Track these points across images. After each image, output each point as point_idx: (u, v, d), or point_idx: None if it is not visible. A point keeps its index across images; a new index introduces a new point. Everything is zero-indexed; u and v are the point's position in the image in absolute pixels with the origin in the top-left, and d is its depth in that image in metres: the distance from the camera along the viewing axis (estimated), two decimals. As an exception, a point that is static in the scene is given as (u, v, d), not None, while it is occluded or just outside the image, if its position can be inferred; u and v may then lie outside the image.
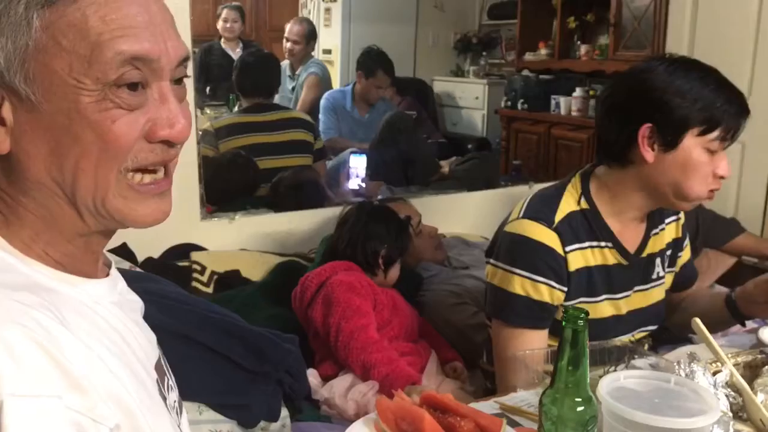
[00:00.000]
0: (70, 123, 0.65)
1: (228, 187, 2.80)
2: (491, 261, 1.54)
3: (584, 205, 1.49)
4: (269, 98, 3.34)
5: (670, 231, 1.61)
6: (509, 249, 1.49)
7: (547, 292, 1.44)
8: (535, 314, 1.45)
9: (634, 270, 1.53)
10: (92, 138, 0.65)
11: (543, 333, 1.47)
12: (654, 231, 1.56)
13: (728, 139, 1.39)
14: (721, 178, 1.41)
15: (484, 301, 1.73)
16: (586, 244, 1.48)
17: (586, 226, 1.48)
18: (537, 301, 1.44)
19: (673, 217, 1.62)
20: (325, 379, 1.75)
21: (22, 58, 0.63)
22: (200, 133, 2.72)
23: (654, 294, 1.57)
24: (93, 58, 0.64)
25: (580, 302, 1.48)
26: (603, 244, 1.49)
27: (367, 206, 2.07)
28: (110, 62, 0.64)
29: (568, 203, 1.49)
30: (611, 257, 1.50)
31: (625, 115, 1.44)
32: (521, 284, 1.44)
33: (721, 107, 1.37)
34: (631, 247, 1.51)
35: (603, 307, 1.50)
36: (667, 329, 1.66)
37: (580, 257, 1.47)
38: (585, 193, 1.50)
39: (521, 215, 1.49)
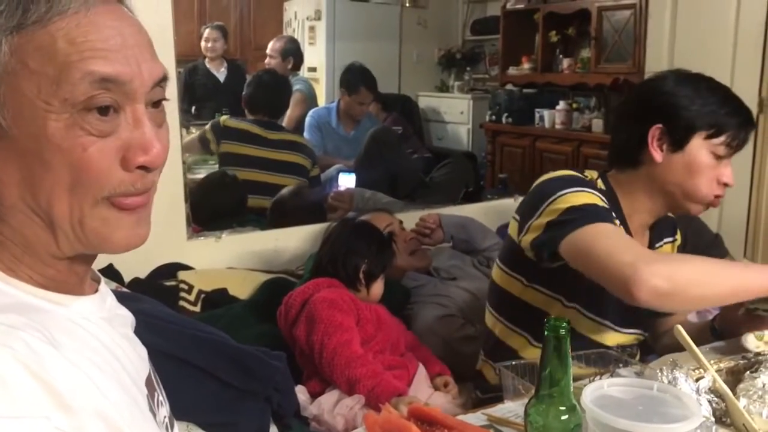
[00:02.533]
0: (40, 149, 0.64)
1: (215, 209, 2.81)
2: (521, 220, 1.50)
3: (601, 185, 1.54)
4: (275, 118, 3.44)
5: (665, 250, 1.63)
6: (545, 188, 1.47)
7: (599, 200, 1.43)
8: (598, 212, 1.38)
9: None
10: (64, 166, 0.64)
11: (617, 227, 1.40)
12: (657, 245, 1.61)
13: (733, 146, 1.44)
14: (725, 185, 1.47)
15: (491, 301, 1.71)
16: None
17: (607, 201, 1.48)
18: (592, 204, 1.40)
19: (669, 239, 1.65)
20: (314, 395, 1.74)
21: None
22: (187, 156, 2.74)
23: None
24: (61, 78, 0.63)
25: None
26: (618, 222, 1.49)
27: (349, 222, 2.07)
28: (78, 83, 0.63)
29: (590, 177, 1.54)
30: None
31: (637, 118, 1.51)
32: (566, 200, 1.40)
33: (727, 115, 1.43)
34: None
35: None
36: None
37: None
38: (602, 177, 1.56)
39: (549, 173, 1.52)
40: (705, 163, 1.44)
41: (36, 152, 0.64)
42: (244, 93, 3.44)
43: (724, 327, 1.50)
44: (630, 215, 1.54)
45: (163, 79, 0.71)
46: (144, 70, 0.68)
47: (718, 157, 1.44)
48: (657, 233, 1.61)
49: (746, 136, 1.46)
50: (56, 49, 0.63)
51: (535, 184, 1.53)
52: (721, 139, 1.43)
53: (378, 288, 1.91)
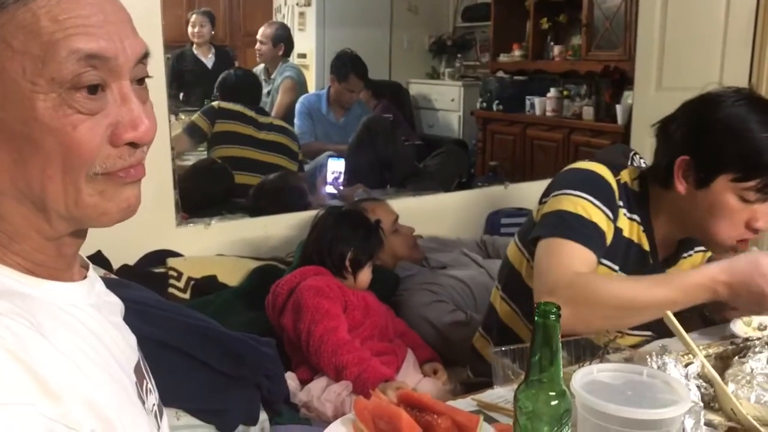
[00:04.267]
0: (29, 131, 0.63)
1: (204, 197, 2.81)
2: (543, 200, 1.50)
3: (636, 187, 1.49)
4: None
5: (696, 259, 1.59)
6: (570, 178, 1.46)
7: (604, 221, 1.40)
8: (589, 232, 1.38)
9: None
10: (54, 146, 0.64)
11: (592, 254, 1.36)
12: (685, 254, 1.56)
13: None
14: (755, 231, 1.36)
15: (501, 277, 1.69)
16: (635, 217, 1.47)
17: (633, 203, 1.47)
18: (593, 222, 1.38)
19: (702, 248, 1.59)
20: (303, 383, 1.75)
21: None
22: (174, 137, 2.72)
23: None
24: (47, 57, 0.62)
25: (614, 269, 1.46)
26: (642, 228, 1.47)
27: (335, 210, 2.07)
28: (65, 61, 0.63)
29: (626, 176, 1.49)
30: (646, 244, 1.48)
31: (670, 140, 1.42)
32: (578, 204, 1.39)
33: (764, 157, 1.30)
34: (662, 257, 1.51)
35: None
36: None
37: (627, 224, 1.46)
38: (641, 179, 1.49)
39: (585, 160, 1.49)
40: (730, 208, 1.33)
41: (25, 134, 0.63)
42: (217, 89, 3.57)
43: (715, 313, 1.50)
44: (657, 226, 1.48)
45: (145, 56, 0.70)
46: (127, 46, 0.67)
47: (749, 201, 1.32)
48: (688, 242, 1.54)
49: None
50: (40, 27, 0.62)
51: (568, 168, 1.50)
52: (752, 183, 1.30)
53: (365, 275, 1.90)
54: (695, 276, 1.29)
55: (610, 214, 1.42)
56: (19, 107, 0.63)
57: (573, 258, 1.34)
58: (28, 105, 0.63)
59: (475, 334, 1.76)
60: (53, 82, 0.63)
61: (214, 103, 3.46)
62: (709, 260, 1.62)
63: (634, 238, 1.48)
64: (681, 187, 1.39)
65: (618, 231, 1.45)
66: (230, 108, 3.40)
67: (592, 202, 1.40)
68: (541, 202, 1.52)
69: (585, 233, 1.37)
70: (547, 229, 1.41)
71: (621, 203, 1.46)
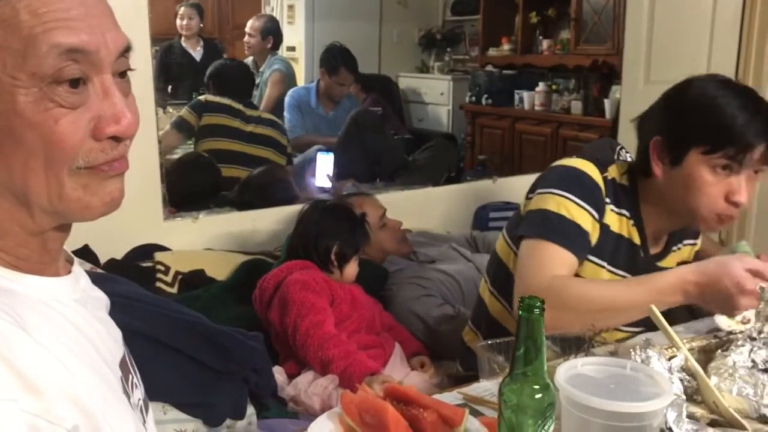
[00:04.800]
0: (10, 125, 0.63)
1: (190, 190, 2.80)
2: (528, 196, 1.52)
3: (625, 181, 1.50)
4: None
5: (686, 252, 1.61)
6: (556, 176, 1.47)
7: (588, 220, 1.42)
8: (571, 233, 1.40)
9: (650, 269, 1.50)
10: (36, 140, 0.64)
11: (573, 258, 1.39)
12: (675, 247, 1.58)
13: (740, 161, 1.33)
14: (735, 204, 1.36)
15: (489, 271, 1.69)
16: (623, 211, 1.48)
17: (622, 198, 1.48)
18: (575, 223, 1.40)
19: (692, 241, 1.62)
20: (291, 377, 1.75)
21: None
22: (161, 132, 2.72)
23: None
24: (28, 52, 0.62)
25: (602, 265, 1.47)
26: (632, 222, 1.49)
27: (320, 204, 2.06)
28: (45, 55, 0.62)
29: (614, 172, 1.50)
30: (636, 238, 1.50)
31: (646, 125, 1.45)
32: (561, 204, 1.41)
33: (735, 126, 1.31)
34: (652, 251, 1.53)
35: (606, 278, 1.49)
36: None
37: (616, 220, 1.48)
38: (630, 173, 1.51)
39: (573, 157, 1.50)
40: (703, 181, 1.35)
41: (6, 129, 0.63)
42: (208, 80, 3.51)
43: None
44: (647, 219, 1.49)
45: (127, 49, 0.70)
46: (109, 40, 0.67)
47: (722, 174, 1.34)
48: (677, 236, 1.57)
49: (758, 150, 1.32)
50: (19, 21, 0.62)
51: (555, 164, 1.51)
52: (721, 153, 1.32)
53: (352, 269, 1.90)
54: (667, 276, 1.32)
55: (595, 213, 1.44)
56: (0, 101, 0.63)
57: (553, 260, 1.37)
58: (8, 99, 0.62)
59: (465, 327, 1.77)
60: (34, 76, 0.62)
61: (201, 97, 3.44)
62: (697, 254, 1.64)
63: (624, 233, 1.49)
64: (658, 169, 1.41)
65: (605, 228, 1.46)
66: (218, 101, 3.38)
67: (575, 202, 1.42)
68: (528, 198, 1.53)
69: (566, 234, 1.40)
70: (530, 229, 1.44)
71: (608, 200, 1.47)
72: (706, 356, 1.21)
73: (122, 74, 0.70)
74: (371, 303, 1.95)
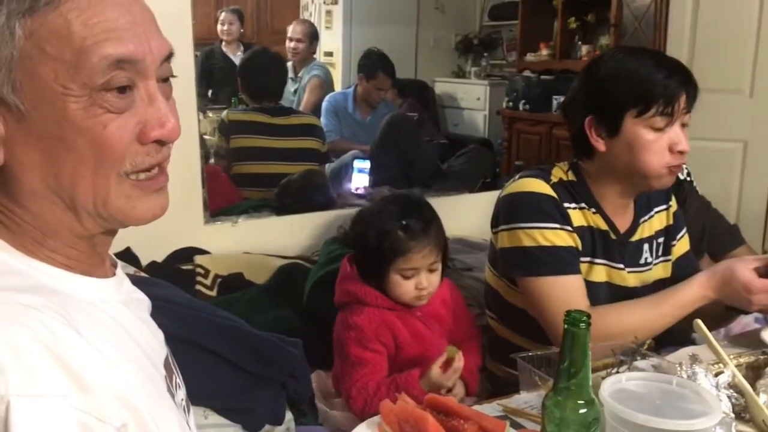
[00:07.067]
0: (61, 131, 0.65)
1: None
2: (494, 230, 1.56)
3: (572, 177, 1.54)
4: (278, 100, 3.25)
5: (659, 219, 1.63)
6: (512, 207, 1.51)
7: (563, 235, 1.46)
8: (559, 257, 1.45)
9: (625, 249, 1.55)
10: (85, 145, 0.66)
11: (575, 278, 1.45)
12: (643, 218, 1.60)
13: (671, 113, 1.39)
14: (680, 153, 1.42)
15: (485, 299, 1.74)
16: (582, 204, 1.52)
17: (575, 193, 1.52)
18: (556, 246, 1.45)
19: (663, 206, 1.64)
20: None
21: (9, 68, 0.63)
22: (204, 136, 2.73)
23: (643, 277, 1.58)
24: (79, 63, 0.64)
25: (583, 261, 1.50)
26: (593, 210, 1.52)
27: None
28: (96, 67, 0.64)
29: (558, 174, 1.54)
30: (603, 224, 1.53)
31: (573, 110, 1.51)
32: (531, 236, 1.45)
33: (657, 82, 1.39)
34: (621, 229, 1.55)
35: (599, 271, 1.52)
36: (669, 331, 1.66)
37: (580, 215, 1.51)
38: (573, 167, 1.55)
39: (516, 179, 1.54)
40: (646, 140, 1.41)
41: (57, 134, 0.65)
42: (238, 82, 3.27)
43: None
44: (602, 201, 1.53)
45: (170, 56, 0.72)
46: (153, 47, 0.69)
47: (660, 129, 1.41)
48: (644, 205, 1.60)
49: (690, 96, 1.41)
50: (71, 33, 0.64)
51: (505, 194, 1.54)
52: (653, 110, 1.39)
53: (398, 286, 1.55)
54: (686, 293, 1.41)
55: (565, 225, 1.47)
56: (51, 108, 0.64)
57: (564, 291, 1.43)
58: (60, 106, 0.64)
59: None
60: (85, 86, 0.64)
61: (224, 115, 3.17)
62: (675, 214, 1.66)
63: (591, 223, 1.53)
64: (600, 145, 1.46)
65: (577, 229, 1.50)
66: (238, 119, 3.12)
67: (544, 228, 1.45)
68: (494, 232, 1.57)
69: (555, 261, 1.44)
70: (520, 269, 1.49)
71: (565, 204, 1.50)
72: (754, 373, 1.18)
73: (165, 79, 0.72)
74: (447, 320, 1.64)
